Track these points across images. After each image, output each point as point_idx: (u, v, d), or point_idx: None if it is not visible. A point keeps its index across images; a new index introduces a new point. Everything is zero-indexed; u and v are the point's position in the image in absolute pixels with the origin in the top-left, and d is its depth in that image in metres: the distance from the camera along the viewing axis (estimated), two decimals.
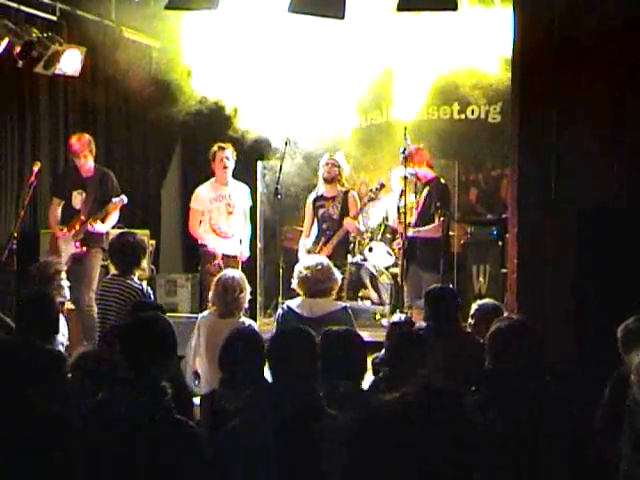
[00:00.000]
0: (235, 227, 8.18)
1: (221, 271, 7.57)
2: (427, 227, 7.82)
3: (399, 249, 7.98)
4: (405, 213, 7.69)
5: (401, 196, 7.75)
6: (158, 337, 3.46)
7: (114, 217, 7.86)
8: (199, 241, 8.22)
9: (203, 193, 8.25)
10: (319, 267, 6.07)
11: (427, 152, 8.07)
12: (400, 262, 7.93)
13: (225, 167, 8.08)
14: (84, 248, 7.72)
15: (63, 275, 6.39)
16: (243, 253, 8.11)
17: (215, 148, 8.12)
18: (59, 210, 7.98)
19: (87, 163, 7.88)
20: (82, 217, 7.79)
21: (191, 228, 8.34)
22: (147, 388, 3.29)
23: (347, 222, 8.12)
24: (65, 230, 7.82)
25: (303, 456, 3.44)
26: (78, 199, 7.93)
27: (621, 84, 5.58)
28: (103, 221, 7.79)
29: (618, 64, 5.59)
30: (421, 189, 7.95)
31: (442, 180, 8.05)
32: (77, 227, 7.80)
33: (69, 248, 7.78)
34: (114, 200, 7.74)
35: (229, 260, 8.03)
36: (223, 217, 8.16)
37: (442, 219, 7.71)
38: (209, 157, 8.16)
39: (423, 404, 2.61)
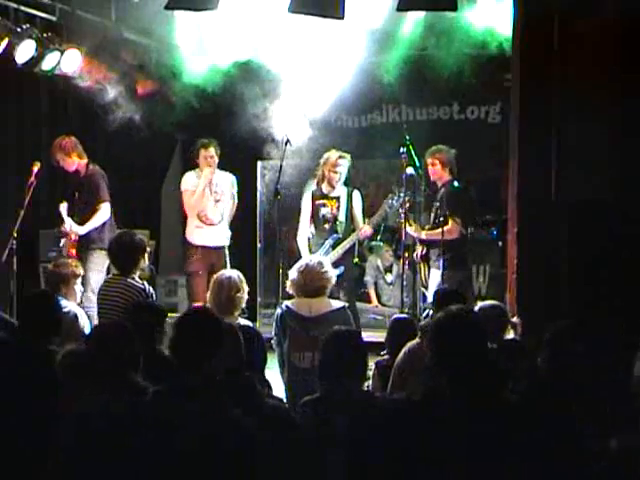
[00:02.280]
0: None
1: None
2: (438, 230, 7.62)
3: (422, 256, 7.85)
4: (406, 213, 7.67)
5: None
6: (221, 334, 3.49)
7: (97, 219, 7.78)
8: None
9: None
10: (310, 268, 6.07)
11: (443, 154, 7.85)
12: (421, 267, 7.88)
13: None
14: (73, 251, 7.68)
15: (79, 280, 6.36)
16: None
17: None
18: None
19: (67, 165, 7.86)
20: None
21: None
22: (207, 388, 3.28)
23: (365, 230, 7.97)
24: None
25: None
26: None
27: (622, 81, 5.58)
28: (83, 224, 7.74)
29: (619, 61, 5.59)
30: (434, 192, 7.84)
31: (455, 183, 7.81)
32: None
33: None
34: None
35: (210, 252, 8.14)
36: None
37: (457, 221, 7.64)
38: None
39: (429, 403, 2.60)
